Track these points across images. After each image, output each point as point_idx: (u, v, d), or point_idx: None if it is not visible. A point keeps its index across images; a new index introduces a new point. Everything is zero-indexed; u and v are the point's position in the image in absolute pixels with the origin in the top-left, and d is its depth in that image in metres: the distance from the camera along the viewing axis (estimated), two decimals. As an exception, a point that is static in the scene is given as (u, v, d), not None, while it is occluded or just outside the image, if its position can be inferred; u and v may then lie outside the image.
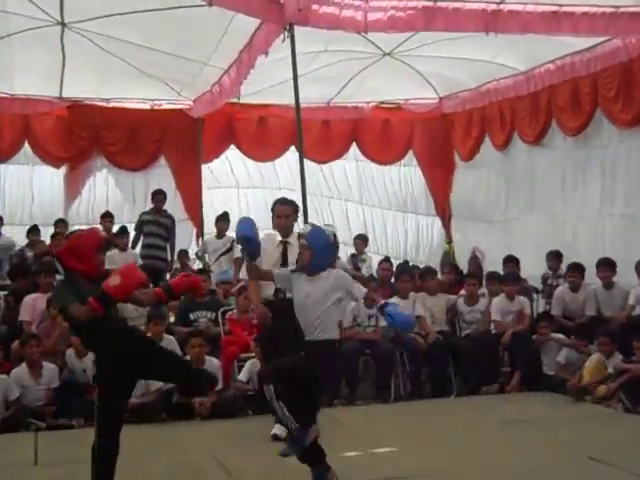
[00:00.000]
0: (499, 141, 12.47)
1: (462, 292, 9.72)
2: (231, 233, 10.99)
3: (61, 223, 11.74)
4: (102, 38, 9.62)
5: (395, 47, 10.51)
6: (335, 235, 5.53)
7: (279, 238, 6.69)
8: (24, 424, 7.29)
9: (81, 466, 5.71)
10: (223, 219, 11.53)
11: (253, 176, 14.30)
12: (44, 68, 10.77)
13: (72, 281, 4.72)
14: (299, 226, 9.35)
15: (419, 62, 11.19)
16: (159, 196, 11.25)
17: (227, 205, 13.58)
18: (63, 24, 9.32)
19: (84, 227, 12.36)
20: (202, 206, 13.21)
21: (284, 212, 6.72)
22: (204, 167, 13.35)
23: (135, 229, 11.42)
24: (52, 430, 7.33)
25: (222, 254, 11.16)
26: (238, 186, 14.34)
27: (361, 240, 12.43)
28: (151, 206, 11.44)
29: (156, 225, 11.12)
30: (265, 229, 11.59)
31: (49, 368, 7.78)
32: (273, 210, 6.80)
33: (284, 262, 6.51)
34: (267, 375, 5.14)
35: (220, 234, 11.47)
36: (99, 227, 10.74)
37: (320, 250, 5.22)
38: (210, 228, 13.51)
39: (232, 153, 13.69)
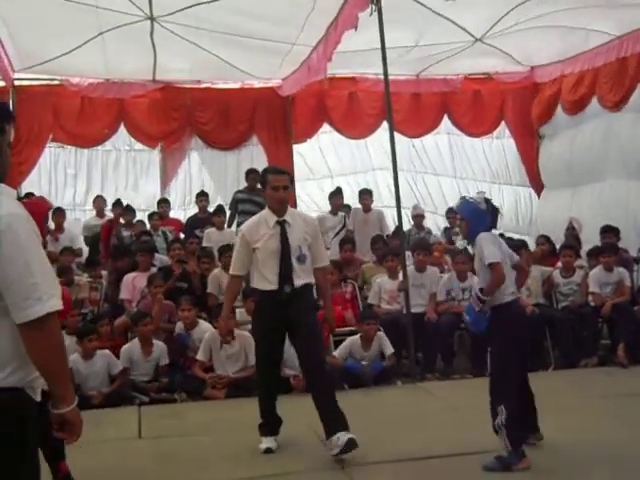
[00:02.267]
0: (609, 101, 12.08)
1: (558, 264, 9.54)
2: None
3: (163, 203, 12.02)
4: (190, 30, 9.74)
5: (486, 32, 10.37)
6: (488, 200, 5.32)
7: (274, 218, 5.68)
8: (128, 398, 7.55)
9: (184, 439, 5.93)
10: (337, 194, 11.51)
11: (345, 162, 14.30)
12: (137, 58, 11.03)
13: None
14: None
15: (510, 44, 11.00)
16: (253, 174, 11.34)
17: (323, 195, 13.63)
18: (152, 19, 9.49)
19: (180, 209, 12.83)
20: (267, 184, 13.21)
21: (282, 182, 5.68)
22: (296, 155, 13.37)
23: (230, 208, 11.57)
24: (155, 404, 7.56)
25: (338, 232, 11.12)
26: (332, 175, 14.35)
27: (454, 213, 12.24)
28: (245, 184, 11.58)
29: (250, 203, 11.22)
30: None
31: (159, 345, 8.06)
32: (264, 182, 5.79)
33: (285, 247, 5.62)
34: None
35: (335, 210, 11.43)
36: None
37: (473, 219, 5.23)
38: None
39: (323, 137, 13.70)
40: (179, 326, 8.42)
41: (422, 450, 5.51)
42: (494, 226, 5.33)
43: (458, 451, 5.45)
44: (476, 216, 5.24)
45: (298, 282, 5.63)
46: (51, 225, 10.99)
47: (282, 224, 5.67)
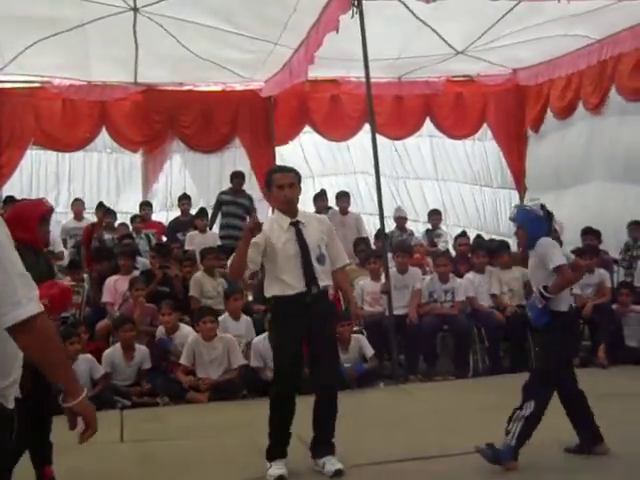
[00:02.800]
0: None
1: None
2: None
3: (146, 206, 11.98)
4: (173, 22, 9.71)
5: (468, 45, 10.44)
6: (543, 206, 5.34)
7: (287, 220, 5.33)
8: (110, 402, 7.51)
9: (166, 443, 5.92)
10: (321, 196, 11.50)
11: (327, 163, 14.30)
12: (118, 55, 10.95)
13: (23, 251, 4.78)
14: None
15: (493, 55, 11.07)
16: (238, 178, 11.35)
17: (305, 195, 13.61)
18: (135, 9, 9.44)
19: (162, 212, 12.78)
20: (272, 183, 13.20)
21: (287, 180, 5.32)
22: (278, 157, 13.29)
23: (213, 208, 11.58)
24: (137, 408, 7.55)
25: None
26: (313, 175, 14.35)
27: (436, 215, 12.31)
28: (229, 186, 11.57)
29: (235, 205, 11.23)
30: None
31: (141, 350, 8.05)
32: (270, 182, 5.38)
33: (304, 249, 5.26)
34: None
35: (319, 213, 11.40)
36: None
37: (532, 226, 5.26)
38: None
39: (305, 138, 13.72)
40: (160, 330, 8.40)
41: (404, 452, 5.51)
42: (550, 231, 5.39)
43: (440, 453, 5.45)
44: (535, 223, 5.29)
45: (321, 284, 5.30)
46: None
47: (296, 225, 5.33)
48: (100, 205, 11.72)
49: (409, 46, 10.51)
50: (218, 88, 12.82)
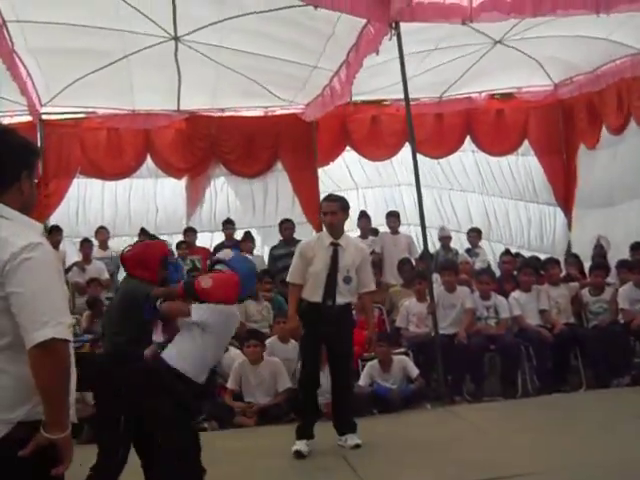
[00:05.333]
0: (616, 125, 11.93)
1: (587, 282, 9.47)
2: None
3: (190, 232, 12.06)
4: (213, 49, 9.87)
5: (505, 33, 10.29)
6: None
7: (330, 239, 6.42)
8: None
9: (213, 468, 5.91)
10: (364, 218, 11.55)
11: (371, 176, 14.38)
12: (161, 84, 11.13)
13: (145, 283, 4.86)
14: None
15: (531, 46, 10.88)
16: (287, 224, 11.30)
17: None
18: (176, 38, 9.62)
19: (206, 234, 12.86)
20: (321, 209, 13.25)
21: (330, 209, 6.44)
22: (321, 171, 13.42)
23: (268, 266, 11.16)
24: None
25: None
26: (357, 187, 14.43)
27: (475, 233, 12.16)
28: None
29: (289, 257, 11.09)
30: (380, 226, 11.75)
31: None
32: (320, 208, 6.70)
33: (334, 267, 6.32)
34: None
35: (364, 234, 11.46)
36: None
37: (245, 277, 4.74)
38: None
39: (348, 155, 13.77)
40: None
41: (453, 475, 5.46)
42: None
43: (489, 476, 5.38)
44: (249, 276, 4.97)
45: (340, 299, 6.31)
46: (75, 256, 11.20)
47: (336, 246, 6.35)
48: (142, 231, 11.85)
49: (444, 39, 10.31)
50: (259, 113, 12.92)
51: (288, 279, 6.66)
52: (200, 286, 4.45)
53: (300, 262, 6.46)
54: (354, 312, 7.14)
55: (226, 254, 4.94)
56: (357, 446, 6.29)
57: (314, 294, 6.33)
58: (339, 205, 6.45)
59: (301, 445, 6.25)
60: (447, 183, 14.34)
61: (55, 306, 2.51)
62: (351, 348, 6.73)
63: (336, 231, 6.41)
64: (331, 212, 6.39)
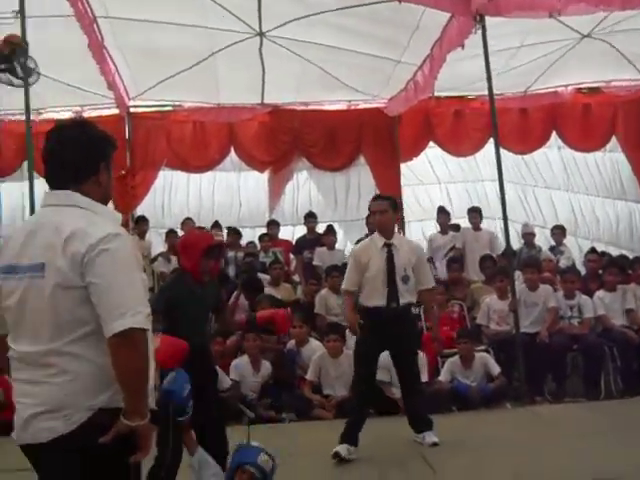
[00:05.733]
0: None
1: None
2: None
3: (273, 224, 12.19)
4: (297, 44, 9.94)
5: (593, 27, 10.04)
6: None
7: (382, 241, 6.30)
8: (236, 410, 7.66)
9: (291, 459, 5.98)
10: (443, 213, 11.56)
11: (453, 171, 14.29)
12: (246, 78, 11.25)
13: (181, 281, 4.92)
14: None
15: (620, 40, 10.57)
16: (330, 236, 11.43)
17: (431, 201, 13.71)
18: (261, 34, 9.73)
19: (288, 227, 12.98)
20: (402, 204, 13.25)
21: (378, 208, 6.31)
22: (403, 165, 13.36)
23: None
24: (263, 424, 7.63)
25: (449, 250, 11.09)
26: (440, 182, 14.36)
27: (559, 231, 11.91)
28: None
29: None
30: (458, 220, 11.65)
31: (266, 365, 8.22)
32: (369, 209, 6.54)
33: (390, 268, 6.21)
34: None
35: (444, 230, 11.44)
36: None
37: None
38: (411, 225, 13.71)
39: (430, 151, 13.70)
40: (291, 343, 8.60)
41: (531, 476, 5.38)
42: None
43: (568, 479, 5.29)
44: None
45: (402, 300, 6.20)
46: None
47: (389, 246, 6.24)
48: (215, 224, 12.04)
49: (530, 35, 10.13)
50: (342, 107, 12.94)
51: (343, 287, 6.55)
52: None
53: (355, 268, 6.35)
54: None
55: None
56: (435, 444, 6.23)
57: (374, 298, 6.22)
58: (388, 204, 6.35)
59: (342, 448, 6.08)
60: (532, 179, 14.13)
61: (133, 296, 2.57)
62: (417, 347, 6.72)
63: (387, 231, 6.33)
64: (380, 211, 6.28)
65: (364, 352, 6.33)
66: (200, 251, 4.91)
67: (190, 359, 4.57)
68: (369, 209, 6.59)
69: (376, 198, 6.61)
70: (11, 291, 2.68)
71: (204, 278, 4.98)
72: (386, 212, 6.27)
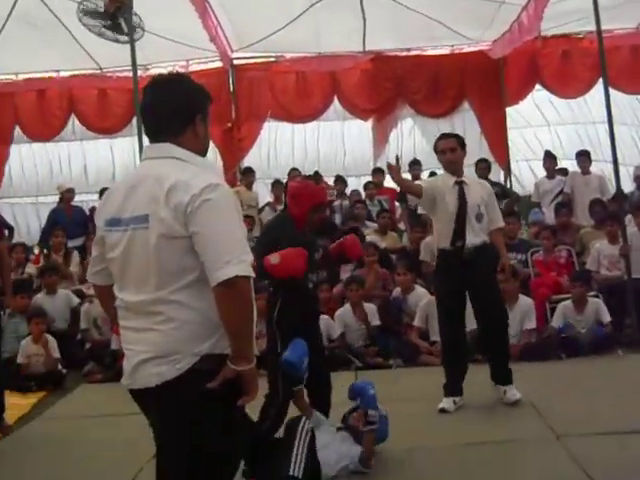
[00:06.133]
0: None
1: None
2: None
3: (378, 172, 12.14)
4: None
5: None
6: None
7: (453, 179, 6.06)
8: (344, 361, 7.81)
9: (398, 404, 6.08)
10: (549, 157, 11.34)
11: (562, 112, 13.87)
12: (347, 26, 11.21)
13: (286, 224, 5.00)
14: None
15: None
16: (483, 164, 11.20)
17: (540, 144, 13.41)
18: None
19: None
20: (508, 148, 13.03)
21: (448, 145, 6.06)
22: (510, 109, 13.11)
23: None
24: (370, 370, 7.75)
25: (556, 195, 10.90)
26: (549, 124, 14.00)
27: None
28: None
29: None
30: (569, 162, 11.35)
31: (370, 308, 8.29)
32: (435, 149, 6.19)
33: (462, 205, 5.95)
34: None
35: (551, 174, 11.24)
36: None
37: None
38: (519, 169, 13.47)
39: (538, 94, 13.34)
40: (396, 290, 8.65)
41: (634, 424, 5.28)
42: None
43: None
44: None
45: (475, 239, 5.97)
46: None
47: (460, 184, 6.03)
48: (315, 174, 12.09)
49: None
50: (445, 51, 12.73)
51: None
52: (269, 263, 4.56)
53: (427, 188, 6.04)
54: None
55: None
56: (518, 402, 5.96)
57: (446, 238, 6.01)
58: (457, 141, 6.11)
59: (447, 403, 6.01)
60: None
61: (237, 245, 2.62)
62: (498, 291, 6.25)
63: (457, 169, 6.09)
64: (450, 149, 6.04)
65: (444, 297, 6.15)
66: (310, 205, 5.01)
67: (296, 304, 4.74)
68: (435, 148, 6.17)
69: (444, 136, 6.27)
70: (115, 243, 2.77)
71: (305, 229, 5.08)
72: (455, 150, 6.04)
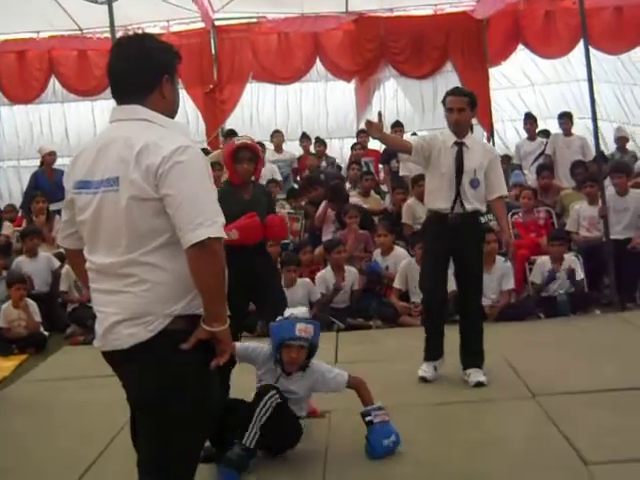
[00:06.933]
0: None
1: None
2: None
3: (363, 133, 12.03)
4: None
5: None
6: None
7: (453, 139, 5.64)
8: (327, 323, 7.86)
9: (377, 364, 6.13)
10: (529, 119, 11.36)
11: (547, 72, 13.87)
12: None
13: (227, 192, 5.03)
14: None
15: None
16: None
17: (525, 104, 13.42)
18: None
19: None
20: (491, 109, 13.01)
21: (456, 104, 5.60)
22: (495, 70, 13.11)
23: None
24: (351, 330, 7.84)
25: (537, 157, 10.93)
26: (533, 84, 13.99)
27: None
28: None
29: None
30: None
31: (351, 271, 8.33)
32: (444, 103, 5.71)
33: (459, 168, 5.57)
34: None
35: (532, 136, 11.27)
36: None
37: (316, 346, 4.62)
38: (504, 130, 13.47)
39: (522, 54, 13.32)
40: (376, 252, 8.67)
41: (619, 381, 5.39)
42: None
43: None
44: None
45: (467, 206, 5.61)
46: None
47: (460, 145, 5.63)
48: (303, 135, 12.11)
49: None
50: (429, 12, 12.66)
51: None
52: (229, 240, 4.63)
53: (423, 144, 5.67)
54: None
55: (307, 331, 4.47)
56: (480, 384, 5.59)
57: (439, 199, 5.65)
58: (467, 101, 5.63)
59: (428, 370, 5.79)
60: (629, 78, 13.58)
61: (208, 206, 2.62)
62: (480, 264, 5.88)
63: (462, 130, 5.67)
64: (458, 109, 5.58)
65: (429, 260, 5.90)
66: (229, 159, 5.15)
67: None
68: (444, 102, 5.70)
69: (454, 92, 5.75)
70: (85, 205, 2.76)
71: (245, 183, 5.21)
72: (464, 110, 5.60)
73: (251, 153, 5.24)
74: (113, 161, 2.68)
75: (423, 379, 5.76)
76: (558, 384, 5.44)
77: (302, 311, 4.63)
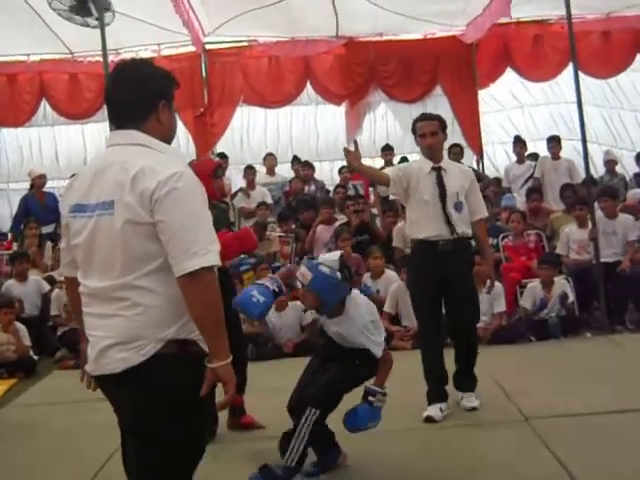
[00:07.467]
0: None
1: None
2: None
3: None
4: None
5: None
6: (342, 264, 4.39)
7: (430, 164, 5.51)
8: (316, 347, 7.81)
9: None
10: (518, 143, 11.45)
11: (536, 94, 13.96)
12: (320, 10, 11.19)
13: None
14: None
15: None
16: (456, 148, 11.19)
17: (514, 126, 13.48)
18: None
19: (367, 160, 12.97)
20: (480, 132, 13.09)
21: (428, 129, 5.49)
22: (484, 92, 13.19)
23: None
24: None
25: (526, 180, 10.99)
26: (522, 106, 14.08)
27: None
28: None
29: None
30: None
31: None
32: (414, 130, 5.61)
33: (442, 192, 5.43)
34: None
35: (521, 159, 11.33)
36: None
37: (328, 293, 4.36)
38: (494, 153, 13.54)
39: (510, 76, 13.41)
40: (366, 276, 8.67)
41: (611, 404, 5.39)
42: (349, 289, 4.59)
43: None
44: (330, 291, 4.44)
45: (458, 230, 5.48)
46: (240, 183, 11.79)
47: (438, 170, 5.51)
48: (294, 158, 12.14)
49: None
50: (418, 36, 12.74)
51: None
52: None
53: (400, 174, 5.55)
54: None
55: (304, 276, 4.42)
56: (473, 409, 5.56)
57: (425, 228, 5.49)
58: (438, 124, 5.55)
59: (433, 411, 5.48)
60: (617, 102, 13.70)
61: (203, 235, 2.60)
62: (474, 288, 5.81)
63: (437, 154, 5.55)
64: (431, 132, 5.48)
65: (421, 294, 5.65)
66: (209, 175, 5.13)
67: None
68: (414, 130, 5.59)
69: (425, 118, 5.67)
70: (80, 229, 2.75)
71: (217, 199, 5.36)
72: (436, 134, 5.50)
73: (222, 171, 5.54)
74: (109, 185, 2.67)
75: (429, 418, 5.44)
76: (550, 407, 5.44)
77: (332, 259, 4.47)
